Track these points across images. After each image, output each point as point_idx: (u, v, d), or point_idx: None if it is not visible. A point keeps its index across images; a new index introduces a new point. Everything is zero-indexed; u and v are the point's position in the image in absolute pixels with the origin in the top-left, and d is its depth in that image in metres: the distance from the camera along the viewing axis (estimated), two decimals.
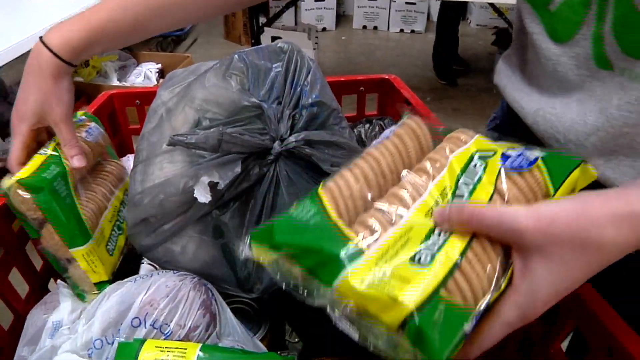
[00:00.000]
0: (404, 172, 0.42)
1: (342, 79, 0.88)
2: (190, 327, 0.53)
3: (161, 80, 2.67)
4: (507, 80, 0.58)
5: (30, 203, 0.57)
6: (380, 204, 0.39)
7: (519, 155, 0.41)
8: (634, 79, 0.44)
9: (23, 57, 1.51)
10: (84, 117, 0.71)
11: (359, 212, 0.40)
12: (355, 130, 0.76)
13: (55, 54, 0.55)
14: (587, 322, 0.43)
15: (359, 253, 0.35)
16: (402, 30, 4.14)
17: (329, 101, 0.63)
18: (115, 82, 2.60)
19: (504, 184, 0.40)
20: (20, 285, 0.62)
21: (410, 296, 0.33)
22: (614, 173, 0.48)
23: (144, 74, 2.66)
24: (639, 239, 0.34)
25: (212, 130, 0.54)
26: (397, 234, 0.36)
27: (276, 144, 0.56)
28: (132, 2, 0.57)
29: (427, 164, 0.42)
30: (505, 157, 0.42)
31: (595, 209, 0.34)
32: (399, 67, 3.43)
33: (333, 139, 0.59)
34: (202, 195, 0.54)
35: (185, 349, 0.50)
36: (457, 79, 3.17)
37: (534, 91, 0.54)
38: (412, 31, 4.11)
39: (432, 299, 0.33)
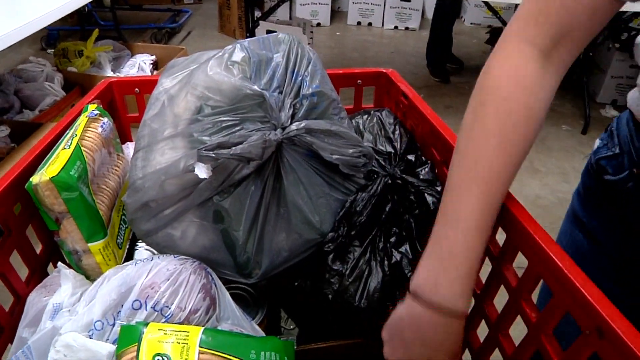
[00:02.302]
0: None
1: (340, 72, 0.89)
2: (190, 310, 0.54)
3: (155, 72, 2.66)
4: None
5: (58, 198, 0.58)
6: None
7: None
8: None
9: (15, 46, 1.51)
10: (96, 111, 0.70)
11: None
12: (353, 121, 0.77)
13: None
14: (576, 305, 0.45)
15: None
16: (396, 27, 4.15)
17: (328, 91, 0.64)
18: (109, 73, 2.58)
19: None
20: (21, 268, 0.62)
21: None
22: None
23: (138, 65, 2.64)
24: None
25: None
26: None
27: (277, 132, 0.57)
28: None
29: None
30: None
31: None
32: (393, 63, 3.44)
33: (333, 128, 0.59)
34: (203, 172, 0.55)
35: (188, 331, 0.51)
36: (451, 77, 3.19)
37: None
38: (407, 28, 4.13)
39: None
